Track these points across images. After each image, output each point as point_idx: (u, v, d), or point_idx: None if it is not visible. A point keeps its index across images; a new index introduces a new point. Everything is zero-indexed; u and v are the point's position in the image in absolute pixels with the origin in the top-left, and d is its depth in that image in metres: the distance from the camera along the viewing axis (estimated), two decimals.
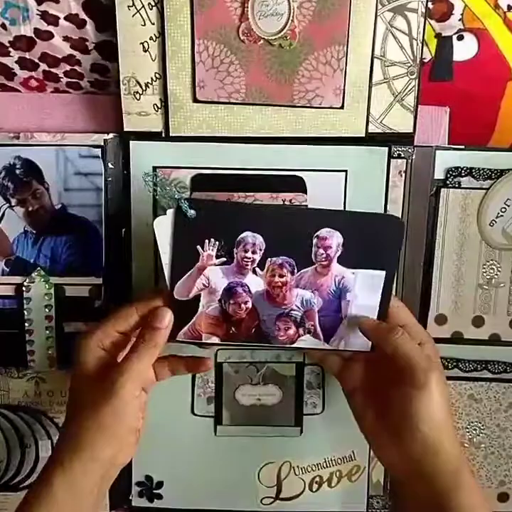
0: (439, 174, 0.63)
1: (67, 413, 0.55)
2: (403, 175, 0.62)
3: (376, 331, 0.57)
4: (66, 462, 0.50)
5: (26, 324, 0.64)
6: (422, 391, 0.53)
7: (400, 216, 0.64)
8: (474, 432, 0.68)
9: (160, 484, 0.68)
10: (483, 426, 0.68)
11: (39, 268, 0.63)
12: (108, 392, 0.51)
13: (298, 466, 0.69)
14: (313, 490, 0.69)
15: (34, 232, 0.63)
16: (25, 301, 0.63)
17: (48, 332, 0.64)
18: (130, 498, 0.69)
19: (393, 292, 0.63)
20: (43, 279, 0.63)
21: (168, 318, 0.54)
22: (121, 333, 0.55)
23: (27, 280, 0.63)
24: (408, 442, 0.54)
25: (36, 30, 0.58)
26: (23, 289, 0.63)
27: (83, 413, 0.51)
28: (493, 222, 0.64)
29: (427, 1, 0.58)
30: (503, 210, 0.64)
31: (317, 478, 0.69)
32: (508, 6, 0.59)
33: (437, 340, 0.64)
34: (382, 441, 0.56)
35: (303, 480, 0.69)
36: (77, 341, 0.55)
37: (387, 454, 0.57)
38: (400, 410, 0.54)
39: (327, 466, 0.69)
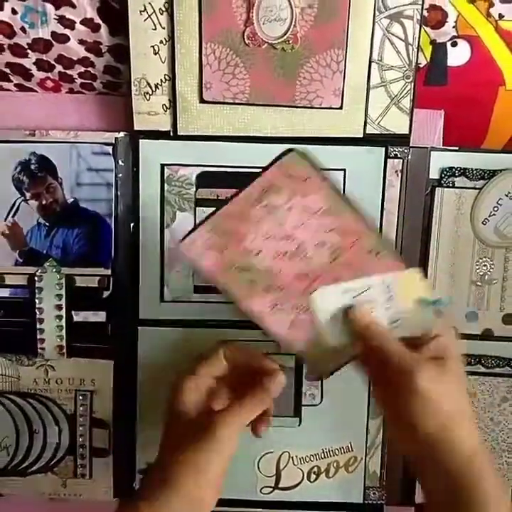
0: (434, 174, 0.66)
1: (160, 449, 0.55)
2: (399, 174, 0.65)
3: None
4: (152, 496, 0.50)
5: (37, 313, 0.66)
6: (412, 395, 0.50)
7: (397, 214, 0.66)
8: None
9: None
10: (477, 420, 0.70)
11: (51, 259, 0.66)
12: (210, 434, 0.51)
13: (296, 456, 0.70)
14: (311, 480, 0.70)
15: (47, 224, 0.66)
16: (37, 291, 0.66)
17: (58, 321, 0.66)
18: (134, 485, 0.70)
19: None
20: (54, 270, 0.66)
21: (281, 382, 0.55)
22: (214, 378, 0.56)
23: (39, 270, 0.66)
24: (413, 443, 0.52)
25: (53, 34, 0.61)
26: (36, 278, 0.66)
27: (178, 450, 0.51)
28: (486, 220, 0.66)
29: (423, 9, 0.61)
30: (496, 208, 0.66)
31: (315, 469, 0.70)
32: (500, 14, 0.61)
33: None
34: (393, 435, 0.57)
35: (301, 470, 0.70)
36: (175, 381, 0.55)
37: (400, 447, 0.55)
38: (399, 412, 0.52)
39: (325, 457, 0.70)
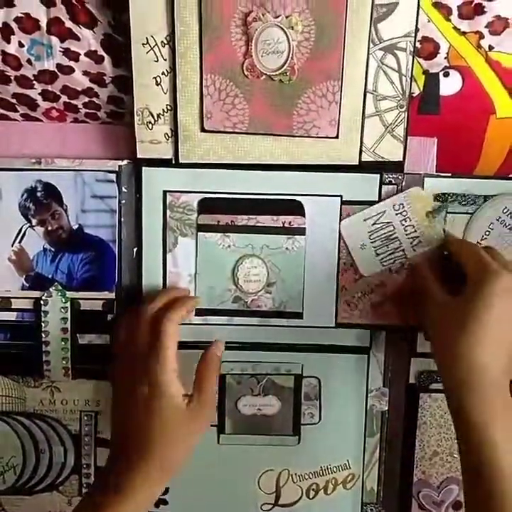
0: None
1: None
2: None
3: None
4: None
5: (43, 336, 0.68)
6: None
7: None
8: None
9: (166, 490, 0.71)
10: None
11: (56, 283, 0.67)
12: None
13: (296, 474, 0.72)
14: (310, 497, 0.72)
15: (52, 250, 0.68)
16: (42, 314, 0.67)
17: (63, 343, 0.68)
18: None
19: None
20: (59, 294, 0.67)
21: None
22: None
23: (45, 294, 0.67)
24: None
25: (59, 65, 0.63)
26: (41, 302, 0.67)
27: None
28: (479, 244, 0.68)
29: (415, 41, 0.63)
30: (487, 233, 0.68)
31: (314, 486, 0.72)
32: (489, 45, 0.63)
33: (427, 355, 0.69)
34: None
35: (300, 487, 0.72)
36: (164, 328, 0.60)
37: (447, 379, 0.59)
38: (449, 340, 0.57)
39: (323, 474, 0.72)
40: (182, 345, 0.68)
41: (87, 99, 0.66)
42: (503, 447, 0.52)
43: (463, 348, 0.55)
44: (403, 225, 0.67)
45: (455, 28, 0.63)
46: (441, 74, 0.65)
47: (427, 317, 0.62)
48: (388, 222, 0.67)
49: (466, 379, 0.54)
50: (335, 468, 0.72)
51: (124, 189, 0.67)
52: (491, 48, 0.64)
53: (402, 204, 0.66)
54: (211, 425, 0.70)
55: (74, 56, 0.63)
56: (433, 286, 0.62)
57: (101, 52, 0.62)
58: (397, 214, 0.67)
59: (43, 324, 0.68)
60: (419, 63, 0.65)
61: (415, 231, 0.67)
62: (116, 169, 0.66)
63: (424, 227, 0.67)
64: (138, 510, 0.57)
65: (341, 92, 0.63)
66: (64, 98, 0.66)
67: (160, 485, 0.60)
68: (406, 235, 0.67)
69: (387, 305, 0.68)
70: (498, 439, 0.52)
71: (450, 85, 0.66)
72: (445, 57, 0.64)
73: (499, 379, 0.55)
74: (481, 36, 0.63)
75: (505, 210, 0.67)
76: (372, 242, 0.67)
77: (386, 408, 0.71)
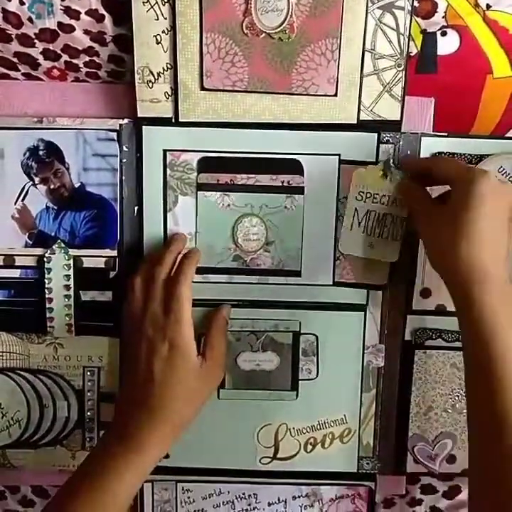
0: None
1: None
2: (391, 159, 0.67)
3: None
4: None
5: (46, 293, 0.69)
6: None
7: None
8: (457, 398, 0.73)
9: None
10: (465, 392, 0.73)
11: (59, 241, 0.68)
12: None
13: (294, 428, 0.73)
14: (308, 451, 0.73)
15: (55, 208, 0.69)
16: (46, 272, 0.68)
17: (66, 300, 0.69)
18: None
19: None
20: (62, 251, 0.68)
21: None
22: None
23: (48, 252, 0.68)
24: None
25: (59, 24, 0.63)
26: (45, 260, 0.68)
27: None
28: None
29: (413, 0, 0.63)
30: None
31: (311, 440, 0.73)
32: (487, 4, 0.64)
33: (422, 313, 0.70)
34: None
35: (298, 441, 0.73)
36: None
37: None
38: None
39: (320, 429, 0.73)
40: None
41: (87, 59, 0.66)
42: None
43: (460, 250, 0.56)
44: (377, 202, 0.68)
45: None
46: (438, 33, 0.66)
47: (422, 229, 0.63)
48: (367, 212, 0.68)
49: (469, 278, 0.55)
50: (332, 423, 0.73)
51: (125, 148, 0.67)
52: (488, 6, 0.64)
53: (360, 192, 0.68)
54: None
55: (75, 14, 0.63)
56: (423, 198, 0.64)
57: (101, 10, 0.63)
58: (365, 201, 0.68)
59: (46, 281, 0.69)
60: (417, 22, 0.65)
61: (390, 196, 0.67)
62: (117, 128, 0.67)
63: (392, 187, 0.67)
64: (150, 462, 0.60)
65: (340, 50, 0.64)
66: (65, 57, 0.66)
67: (171, 439, 0.62)
68: (387, 205, 0.68)
69: None
70: (509, 334, 0.54)
71: (448, 45, 0.66)
72: (443, 17, 0.65)
73: (499, 274, 0.56)
74: None
75: (501, 169, 0.68)
76: (373, 235, 0.69)
77: (382, 364, 0.72)
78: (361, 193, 0.68)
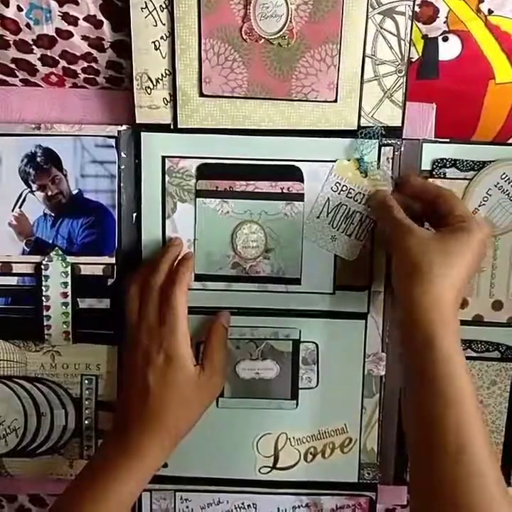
0: (425, 165, 0.67)
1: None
2: (390, 161, 0.67)
3: None
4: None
5: (44, 300, 0.68)
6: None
7: None
8: None
9: None
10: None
11: (57, 248, 0.68)
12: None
13: (294, 438, 0.72)
14: (308, 460, 0.73)
15: (53, 215, 0.68)
16: (43, 279, 0.68)
17: (64, 308, 0.68)
18: None
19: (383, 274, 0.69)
20: (60, 259, 0.68)
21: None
22: None
23: (45, 259, 0.68)
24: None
25: (57, 30, 0.63)
26: (42, 267, 0.68)
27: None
28: (477, 210, 0.68)
29: (414, 5, 0.62)
30: (486, 199, 0.68)
31: (311, 449, 0.73)
32: (489, 10, 0.63)
33: None
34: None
35: (298, 450, 0.73)
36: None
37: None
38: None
39: (321, 438, 0.72)
40: None
41: (86, 64, 0.66)
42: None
43: (439, 286, 0.56)
44: (351, 198, 0.68)
45: None
46: (440, 38, 0.65)
47: (400, 246, 0.61)
48: (338, 205, 0.68)
49: (438, 316, 0.55)
50: (332, 432, 0.72)
51: (123, 154, 0.67)
52: (490, 11, 0.64)
53: (337, 182, 0.67)
54: None
55: (73, 20, 0.62)
56: (409, 221, 0.62)
57: (100, 16, 0.62)
58: (339, 193, 0.68)
59: (43, 289, 0.68)
60: (418, 27, 0.64)
61: (365, 194, 0.68)
62: (116, 134, 0.66)
63: (369, 185, 0.67)
64: (147, 472, 0.60)
65: (340, 55, 0.63)
66: (63, 63, 0.66)
67: (169, 449, 0.62)
68: (360, 203, 0.68)
69: None
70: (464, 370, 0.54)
71: (449, 50, 0.65)
72: (444, 22, 0.64)
73: (456, 311, 0.57)
74: (481, 0, 0.63)
75: (503, 176, 0.67)
76: (338, 229, 0.68)
77: (383, 373, 0.71)
78: (338, 185, 0.67)
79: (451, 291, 0.56)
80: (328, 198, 0.68)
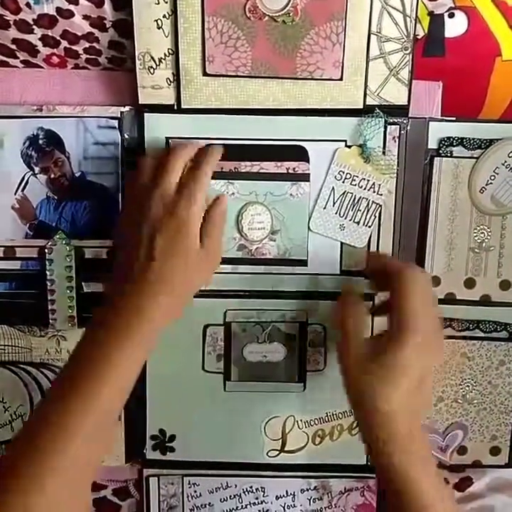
0: (432, 144, 0.67)
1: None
2: (397, 140, 0.66)
3: None
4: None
5: (48, 284, 0.67)
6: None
7: (395, 184, 0.68)
8: (467, 388, 0.72)
9: (172, 438, 0.72)
10: (475, 383, 0.72)
11: (60, 231, 0.67)
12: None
13: (301, 420, 0.72)
14: (316, 443, 0.73)
15: (56, 198, 0.67)
16: (47, 263, 0.67)
17: (68, 292, 0.68)
18: (144, 451, 0.72)
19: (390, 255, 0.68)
20: (64, 242, 0.67)
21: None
22: None
23: (49, 243, 0.67)
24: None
25: (58, 9, 0.62)
26: (46, 251, 0.67)
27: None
28: (483, 189, 0.68)
29: None
30: (493, 177, 0.67)
31: (319, 432, 0.72)
32: None
33: None
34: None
35: (306, 433, 0.72)
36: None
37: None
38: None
39: (329, 420, 0.72)
40: None
41: (87, 45, 0.65)
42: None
43: (384, 407, 0.55)
44: (355, 185, 0.67)
45: None
46: (446, 15, 0.64)
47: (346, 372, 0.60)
48: (343, 193, 0.68)
49: (388, 438, 0.55)
50: (340, 415, 0.72)
51: (126, 136, 0.66)
52: None
53: (341, 171, 0.67)
54: (217, 373, 0.71)
55: None
56: (353, 341, 0.60)
57: None
58: (344, 181, 0.67)
59: (47, 273, 0.67)
60: (423, 4, 0.64)
61: (369, 180, 0.67)
62: (118, 115, 0.66)
63: (372, 171, 0.67)
64: (154, 334, 0.57)
65: (345, 33, 0.63)
66: (64, 43, 0.65)
67: (173, 313, 0.60)
68: (365, 189, 0.67)
69: None
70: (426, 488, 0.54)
71: (455, 27, 0.65)
72: None
73: (417, 426, 0.57)
74: None
75: (510, 154, 0.67)
76: (345, 218, 0.68)
77: None
78: (341, 173, 0.67)
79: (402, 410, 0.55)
80: (333, 187, 0.67)
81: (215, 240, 0.62)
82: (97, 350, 0.55)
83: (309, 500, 0.74)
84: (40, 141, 0.66)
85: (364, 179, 0.67)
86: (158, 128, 0.66)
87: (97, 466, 0.54)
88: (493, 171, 0.67)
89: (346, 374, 0.59)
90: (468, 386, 0.72)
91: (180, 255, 0.59)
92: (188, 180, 0.60)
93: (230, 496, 0.74)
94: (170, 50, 0.64)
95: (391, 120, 0.66)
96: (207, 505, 0.73)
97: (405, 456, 0.54)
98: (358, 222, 0.68)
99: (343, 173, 0.67)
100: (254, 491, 0.73)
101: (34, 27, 0.63)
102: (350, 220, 0.68)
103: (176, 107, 0.66)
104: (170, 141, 0.66)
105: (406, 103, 0.66)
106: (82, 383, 0.52)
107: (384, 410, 0.55)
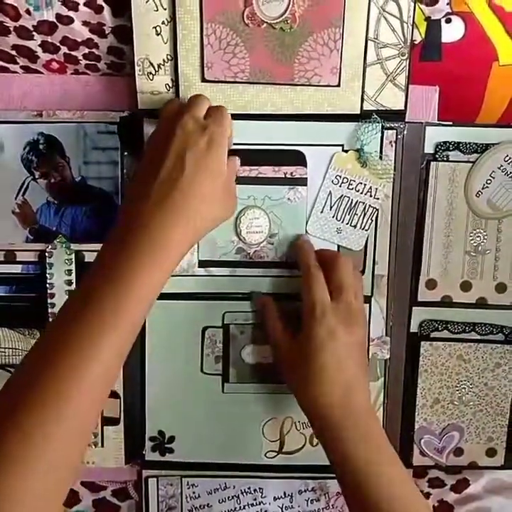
0: (429, 148, 0.68)
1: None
2: (393, 144, 0.67)
3: None
4: None
5: (48, 288, 0.68)
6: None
7: (392, 188, 0.68)
8: (463, 390, 0.73)
9: (171, 439, 0.72)
10: (471, 385, 0.72)
11: (60, 235, 0.68)
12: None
13: (299, 422, 0.73)
14: (314, 444, 0.73)
15: (56, 202, 0.68)
16: (47, 267, 0.68)
17: (68, 296, 0.68)
18: (144, 452, 0.73)
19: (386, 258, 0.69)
20: (64, 246, 0.68)
21: None
22: None
23: (49, 247, 0.68)
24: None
25: (58, 16, 0.62)
26: (46, 255, 0.68)
27: None
28: (480, 193, 0.68)
29: None
30: (489, 181, 0.68)
31: None
32: None
33: (428, 304, 0.70)
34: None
35: (304, 435, 0.73)
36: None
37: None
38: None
39: None
40: (185, 296, 0.69)
41: (87, 50, 0.66)
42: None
43: (304, 390, 0.61)
44: (352, 189, 0.68)
45: None
46: (443, 20, 0.65)
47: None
48: (340, 197, 0.68)
49: (315, 419, 0.62)
50: None
51: (125, 141, 0.67)
52: None
53: (338, 175, 0.68)
54: (216, 374, 0.71)
55: (73, 6, 0.62)
56: (275, 326, 0.67)
57: (100, 1, 0.62)
58: (340, 185, 0.68)
59: (47, 276, 0.68)
60: (420, 9, 0.64)
61: (366, 184, 0.68)
62: (118, 121, 0.66)
63: (369, 175, 0.68)
64: (173, 261, 0.56)
65: (342, 39, 0.63)
66: (64, 49, 0.65)
67: (189, 246, 0.58)
68: (362, 193, 0.68)
69: None
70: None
71: (452, 32, 0.65)
72: (447, 3, 0.64)
73: (344, 409, 0.60)
74: None
75: (507, 159, 0.67)
76: (342, 221, 0.68)
77: (388, 356, 0.71)
78: (338, 177, 0.67)
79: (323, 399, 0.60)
80: (330, 192, 0.68)
81: (232, 183, 0.64)
82: (118, 265, 0.52)
83: (307, 501, 0.75)
84: (41, 146, 0.67)
85: (361, 183, 0.68)
86: None
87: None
88: (490, 175, 0.68)
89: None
90: (464, 388, 0.73)
91: (209, 174, 0.58)
92: (216, 110, 0.61)
93: (229, 497, 0.74)
94: (169, 56, 0.64)
95: (388, 125, 0.66)
96: (205, 506, 0.74)
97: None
98: (355, 226, 0.69)
99: (340, 177, 0.68)
100: (253, 491, 0.74)
101: (34, 33, 0.64)
102: (347, 223, 0.69)
103: None
104: None
105: (403, 108, 0.66)
106: (106, 299, 0.51)
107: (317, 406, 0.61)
